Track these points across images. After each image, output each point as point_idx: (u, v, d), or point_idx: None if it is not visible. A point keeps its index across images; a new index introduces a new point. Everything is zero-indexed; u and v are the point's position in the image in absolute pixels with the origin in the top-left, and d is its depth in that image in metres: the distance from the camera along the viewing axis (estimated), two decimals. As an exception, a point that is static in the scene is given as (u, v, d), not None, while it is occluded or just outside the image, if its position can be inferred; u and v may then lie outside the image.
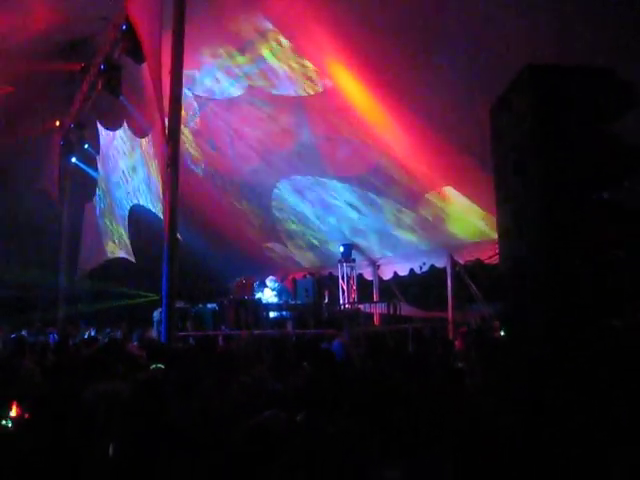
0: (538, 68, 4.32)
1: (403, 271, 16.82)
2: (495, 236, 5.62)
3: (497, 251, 5.79)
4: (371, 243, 17.41)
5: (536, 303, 4.31)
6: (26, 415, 5.18)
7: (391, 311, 15.87)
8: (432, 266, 15.75)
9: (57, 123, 19.30)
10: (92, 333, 16.35)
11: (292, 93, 13.60)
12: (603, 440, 3.75)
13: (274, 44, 12.67)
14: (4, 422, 5.28)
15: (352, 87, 12.35)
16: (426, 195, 13.72)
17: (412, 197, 14.11)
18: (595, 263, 4.11)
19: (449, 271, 15.09)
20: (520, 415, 4.16)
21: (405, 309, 16.45)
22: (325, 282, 19.05)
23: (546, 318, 4.20)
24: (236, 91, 14.68)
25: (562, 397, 3.94)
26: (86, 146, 19.15)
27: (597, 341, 4.02)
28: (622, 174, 4.23)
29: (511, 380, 4.66)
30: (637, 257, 4.19)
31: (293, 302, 17.09)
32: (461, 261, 14.81)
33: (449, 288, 15.16)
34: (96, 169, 20.06)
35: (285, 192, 17.28)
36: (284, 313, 16.54)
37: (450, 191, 13.05)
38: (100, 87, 14.41)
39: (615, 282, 4.13)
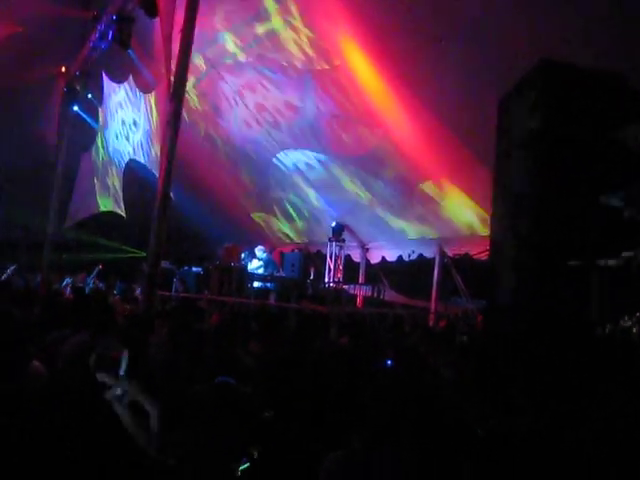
0: (550, 65, 4.30)
1: (391, 257, 16.84)
2: (486, 232, 5.62)
3: (487, 247, 5.79)
4: (363, 225, 17.41)
5: (523, 298, 4.32)
6: None
7: (375, 294, 15.91)
8: (421, 255, 15.76)
9: (63, 69, 19.12)
10: (68, 281, 16.28)
11: (301, 66, 13.52)
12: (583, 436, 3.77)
13: (289, 15, 12.58)
14: None
15: (362, 67, 12.28)
16: (422, 184, 13.71)
17: (408, 185, 14.10)
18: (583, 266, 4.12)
19: (437, 262, 15.12)
20: (493, 409, 4.18)
21: (389, 294, 16.51)
22: (312, 259, 19.08)
23: (531, 314, 4.22)
24: (246, 57, 14.59)
25: (539, 389, 3.96)
26: (89, 95, 19.00)
27: (580, 340, 4.05)
28: (625, 179, 4.23)
29: (486, 374, 4.67)
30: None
31: (278, 274, 17.10)
32: (450, 253, 14.83)
33: (435, 278, 15.19)
34: (97, 120, 19.92)
35: (283, 164, 17.22)
36: (268, 285, 16.56)
37: (446, 183, 13.05)
38: (110, 38, 14.28)
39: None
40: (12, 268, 17.21)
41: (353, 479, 2.82)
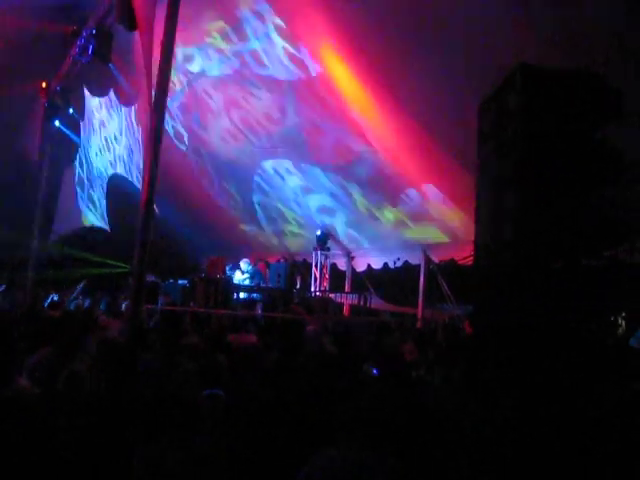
0: (530, 68, 4.32)
1: (377, 264, 16.85)
2: (471, 237, 5.63)
3: (472, 252, 5.80)
4: (347, 233, 17.43)
5: (509, 300, 4.33)
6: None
7: (361, 303, 15.91)
8: (406, 262, 15.77)
9: (43, 85, 19.07)
10: (54, 298, 16.17)
11: (282, 76, 13.55)
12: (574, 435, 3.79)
13: (268, 25, 12.61)
14: None
15: (343, 75, 12.30)
16: (406, 191, 13.74)
17: (392, 191, 14.13)
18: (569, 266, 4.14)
19: (422, 268, 15.13)
20: (483, 411, 4.19)
21: (375, 302, 16.51)
22: (298, 268, 19.08)
23: (517, 315, 4.23)
24: (226, 69, 14.61)
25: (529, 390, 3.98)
26: (70, 110, 18.97)
27: (568, 341, 4.07)
28: (606, 179, 4.26)
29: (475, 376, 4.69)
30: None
31: (264, 285, 17.09)
32: (436, 259, 14.85)
33: (421, 285, 15.20)
34: (78, 134, 19.88)
35: (266, 175, 17.23)
36: (254, 295, 16.54)
37: (430, 189, 13.08)
38: (90, 52, 14.26)
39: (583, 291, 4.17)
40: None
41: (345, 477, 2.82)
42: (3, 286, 17.34)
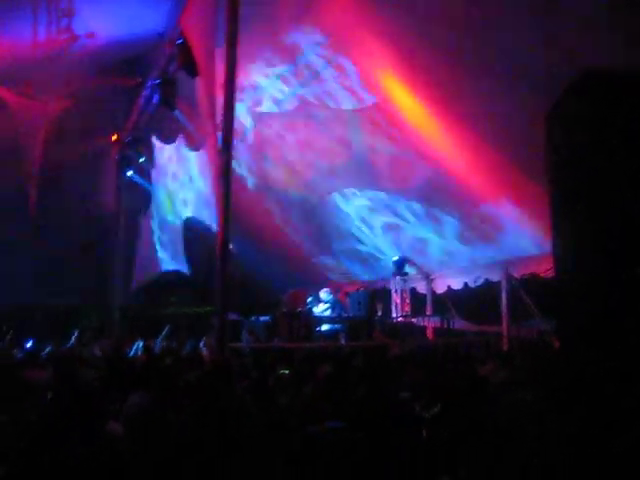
0: (597, 73, 4.20)
1: (457, 285, 16.65)
2: (549, 249, 5.52)
3: (552, 265, 5.68)
4: (425, 256, 17.29)
5: (595, 320, 4.20)
6: None
7: (444, 325, 15.75)
8: (487, 280, 15.54)
9: (114, 138, 19.61)
10: (140, 345, 16.42)
11: (345, 106, 13.63)
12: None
13: (327, 56, 12.72)
14: None
15: (406, 100, 12.31)
16: (480, 207, 13.57)
17: (466, 210, 13.98)
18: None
19: (504, 285, 14.89)
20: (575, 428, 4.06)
21: (459, 323, 16.31)
22: (378, 295, 18.98)
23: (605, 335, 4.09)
24: (289, 105, 14.77)
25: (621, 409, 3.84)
26: (141, 160, 19.44)
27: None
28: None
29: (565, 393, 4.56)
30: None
31: (346, 315, 17.05)
32: (516, 275, 14.60)
33: (504, 302, 14.95)
34: (151, 182, 20.31)
35: (337, 205, 17.26)
36: (337, 326, 16.49)
37: (505, 204, 12.90)
38: (156, 101, 14.63)
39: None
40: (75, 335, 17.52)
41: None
42: (76, 333, 17.67)
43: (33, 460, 3.88)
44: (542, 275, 13.15)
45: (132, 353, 13.52)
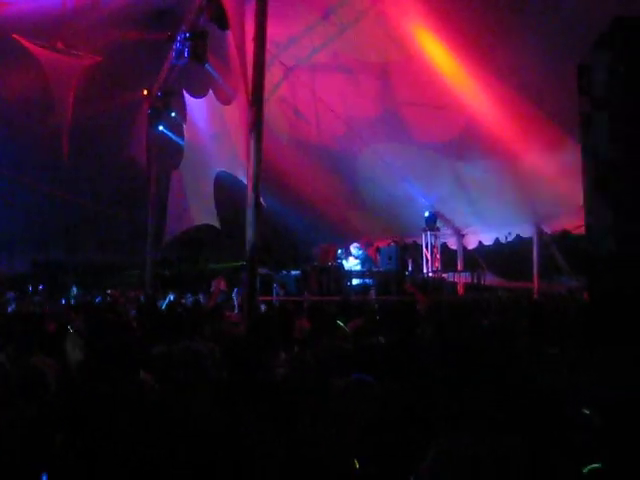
0: (627, 19, 4.09)
1: (488, 240, 16.60)
2: (581, 203, 5.47)
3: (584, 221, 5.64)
4: (456, 212, 17.21)
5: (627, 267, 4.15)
6: None
7: (475, 280, 15.71)
8: (518, 236, 15.46)
9: (145, 92, 19.57)
10: (171, 298, 16.55)
11: (377, 59, 13.47)
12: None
13: (359, 9, 12.55)
14: None
15: (438, 53, 12.15)
16: (513, 163, 13.43)
17: (498, 165, 13.85)
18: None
19: (535, 241, 14.80)
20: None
21: (489, 279, 16.27)
22: (409, 250, 18.95)
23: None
24: (321, 58, 14.63)
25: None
26: (173, 114, 19.42)
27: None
28: None
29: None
30: None
31: (376, 269, 17.05)
32: (548, 231, 14.49)
33: (535, 258, 14.87)
34: (182, 137, 20.29)
35: (369, 159, 17.15)
36: (367, 280, 16.53)
37: (538, 159, 12.75)
38: (186, 55, 14.54)
39: None
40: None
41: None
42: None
43: (68, 398, 3.96)
44: (573, 232, 13.04)
45: (164, 305, 13.63)
